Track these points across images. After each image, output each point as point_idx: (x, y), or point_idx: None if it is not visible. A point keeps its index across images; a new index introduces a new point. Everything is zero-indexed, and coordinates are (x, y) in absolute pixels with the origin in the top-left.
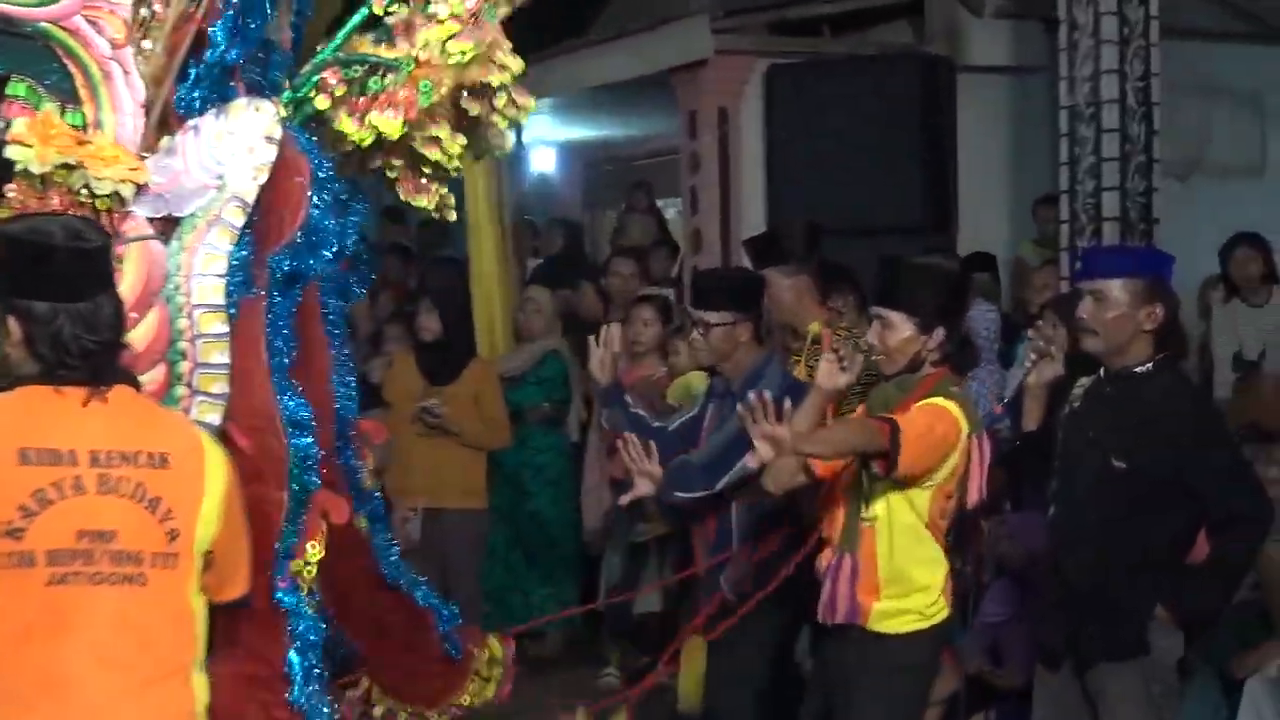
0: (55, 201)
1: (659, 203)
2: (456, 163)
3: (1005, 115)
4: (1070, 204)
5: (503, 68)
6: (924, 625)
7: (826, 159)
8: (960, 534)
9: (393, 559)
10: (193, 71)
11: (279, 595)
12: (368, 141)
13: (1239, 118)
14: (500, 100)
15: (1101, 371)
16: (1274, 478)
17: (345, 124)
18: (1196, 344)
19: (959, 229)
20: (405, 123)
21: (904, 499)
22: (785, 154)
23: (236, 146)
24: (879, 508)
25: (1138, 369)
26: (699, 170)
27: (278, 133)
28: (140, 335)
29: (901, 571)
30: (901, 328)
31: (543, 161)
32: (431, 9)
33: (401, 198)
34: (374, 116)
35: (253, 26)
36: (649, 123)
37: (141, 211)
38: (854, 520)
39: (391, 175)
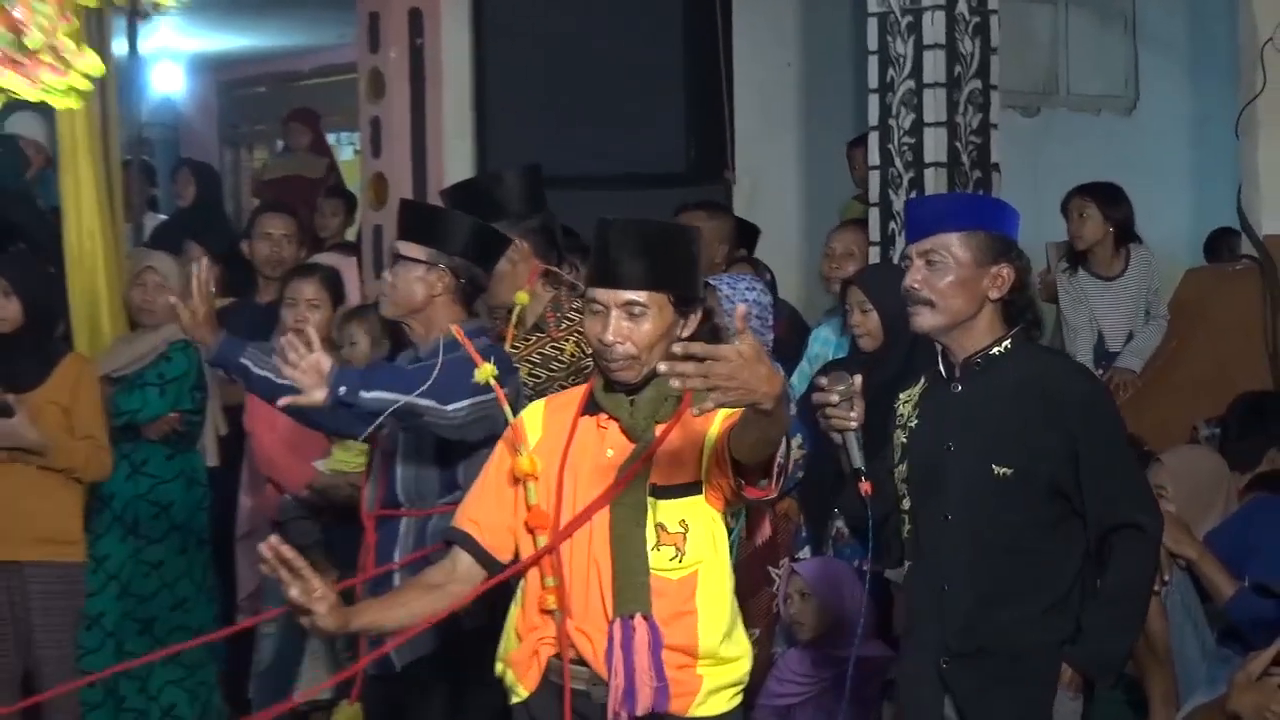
0: None
1: (329, 138)
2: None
3: (795, 27)
4: (881, 144)
5: None
6: (739, 701)
7: (558, 84)
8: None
9: None
10: None
11: None
12: None
13: (1105, 34)
14: None
15: (940, 368)
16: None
17: None
18: (1050, 331)
19: (736, 178)
20: None
21: (721, 535)
22: (501, 76)
23: None
24: (703, 548)
25: (993, 350)
26: (383, 95)
27: None
28: None
29: (723, 632)
30: (660, 315)
31: (166, 80)
32: None
33: None
34: None
35: None
36: (313, 29)
37: None
38: (636, 571)
39: None
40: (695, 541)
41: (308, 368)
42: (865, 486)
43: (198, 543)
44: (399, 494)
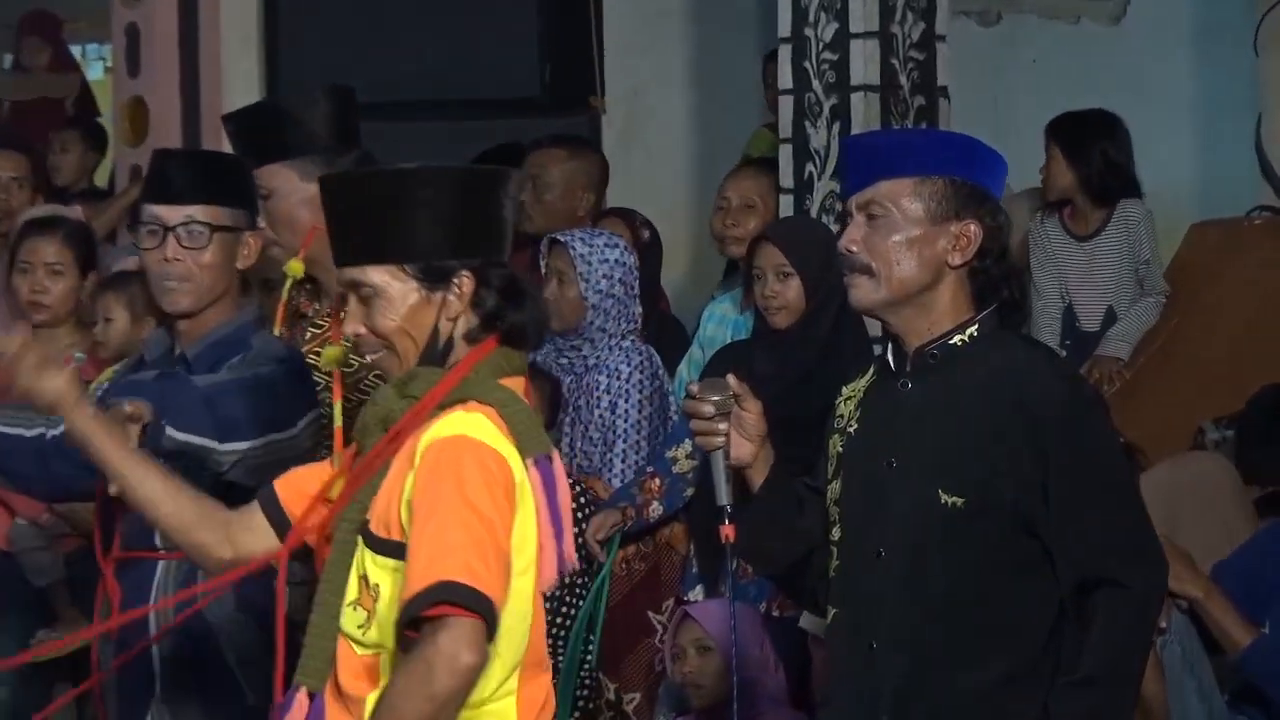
0: None
1: (75, 51)
2: None
3: None
4: (795, 61)
5: None
6: None
7: None
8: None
9: None
10: None
11: None
12: None
13: None
14: None
15: (889, 357)
16: None
17: None
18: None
19: (605, 106)
20: None
21: None
22: None
23: None
24: (389, 631)
25: (955, 339)
26: None
27: None
28: None
29: None
30: (398, 294)
31: None
32: None
33: None
34: None
35: None
36: None
37: None
38: (323, 632)
39: None
40: (383, 618)
41: None
42: (727, 531)
43: None
44: (155, 532)
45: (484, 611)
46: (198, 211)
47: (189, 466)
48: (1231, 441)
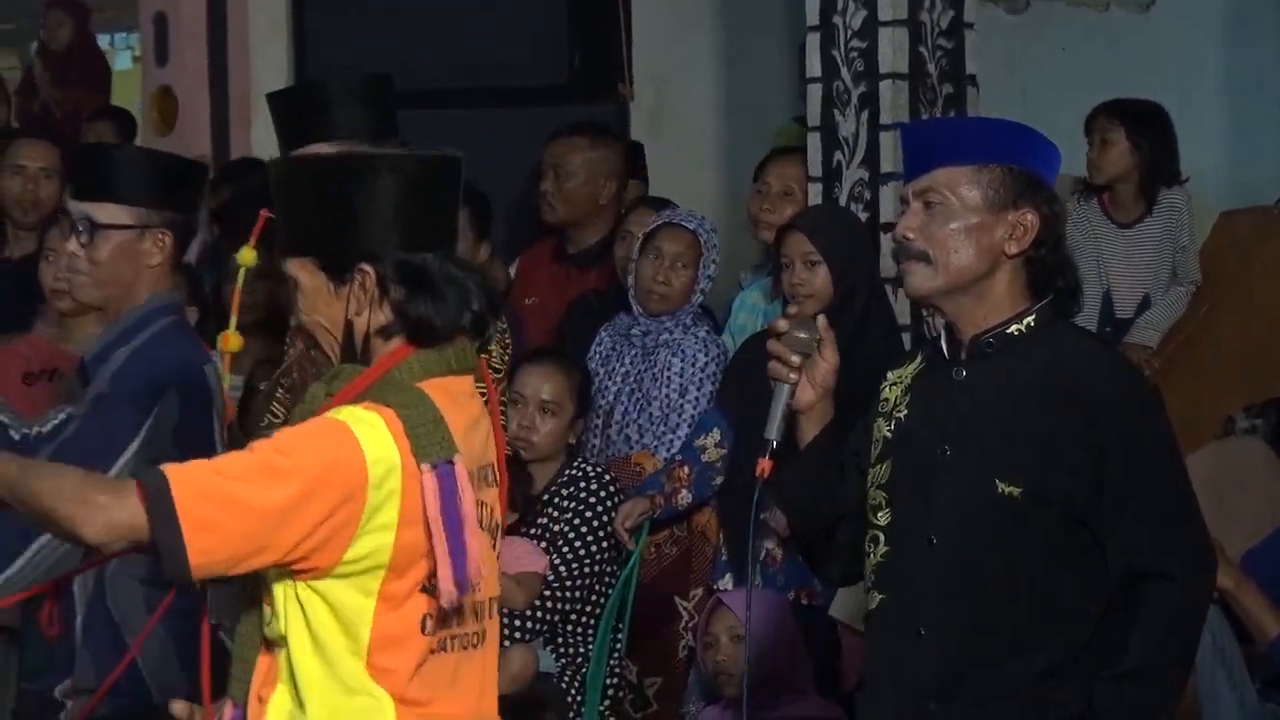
0: None
1: (103, 41)
2: None
3: None
4: (824, 49)
5: None
6: None
7: None
8: (643, 628)
9: None
10: None
11: None
12: None
13: None
14: None
15: (943, 344)
16: None
17: None
18: None
19: (634, 94)
20: None
21: (323, 604)
22: None
23: None
24: (291, 622)
25: (1011, 327)
26: None
27: None
28: None
29: None
30: (310, 288)
31: None
32: None
33: None
34: None
35: None
36: None
37: None
38: (247, 636)
39: None
40: (280, 608)
41: None
42: (764, 465)
43: None
44: None
45: (153, 493)
46: (94, 209)
47: None
48: (1264, 429)
